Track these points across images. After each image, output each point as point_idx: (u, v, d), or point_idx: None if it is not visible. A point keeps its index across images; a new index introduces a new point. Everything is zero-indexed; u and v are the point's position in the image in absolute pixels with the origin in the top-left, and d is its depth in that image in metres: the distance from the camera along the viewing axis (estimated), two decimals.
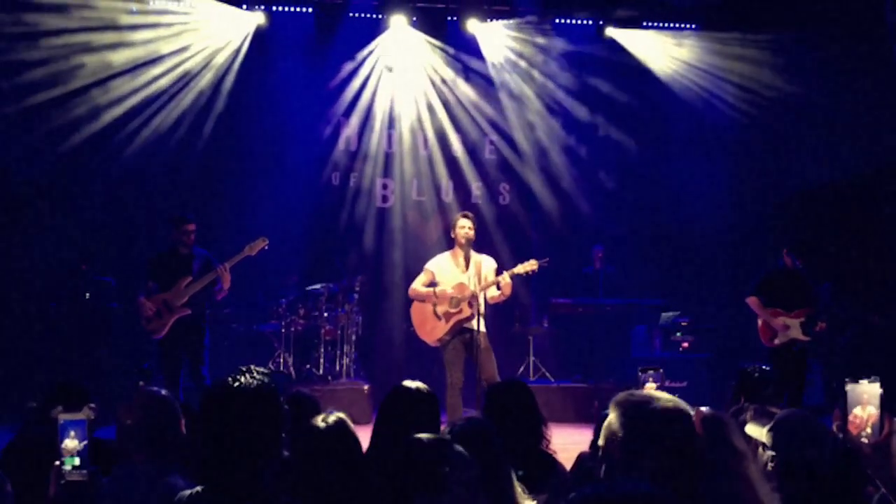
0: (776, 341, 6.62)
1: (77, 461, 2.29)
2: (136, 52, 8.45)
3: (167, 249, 6.57)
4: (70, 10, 7.94)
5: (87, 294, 7.96)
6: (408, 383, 2.96)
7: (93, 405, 2.98)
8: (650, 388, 3.53)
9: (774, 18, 8.72)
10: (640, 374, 3.64)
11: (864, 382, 2.43)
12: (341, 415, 2.43)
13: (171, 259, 6.48)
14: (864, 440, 2.38)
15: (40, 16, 7.81)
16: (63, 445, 2.28)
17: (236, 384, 1.89)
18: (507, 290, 5.95)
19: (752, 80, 9.13)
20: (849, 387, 2.42)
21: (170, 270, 6.40)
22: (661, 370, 3.64)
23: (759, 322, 6.78)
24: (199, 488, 1.94)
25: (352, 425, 2.42)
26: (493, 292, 6.01)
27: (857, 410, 2.40)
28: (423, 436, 2.06)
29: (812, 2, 8.38)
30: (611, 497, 1.34)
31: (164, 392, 2.68)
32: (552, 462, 3.03)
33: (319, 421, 2.37)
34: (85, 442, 2.29)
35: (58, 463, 2.28)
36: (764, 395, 3.45)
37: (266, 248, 6.48)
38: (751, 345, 8.44)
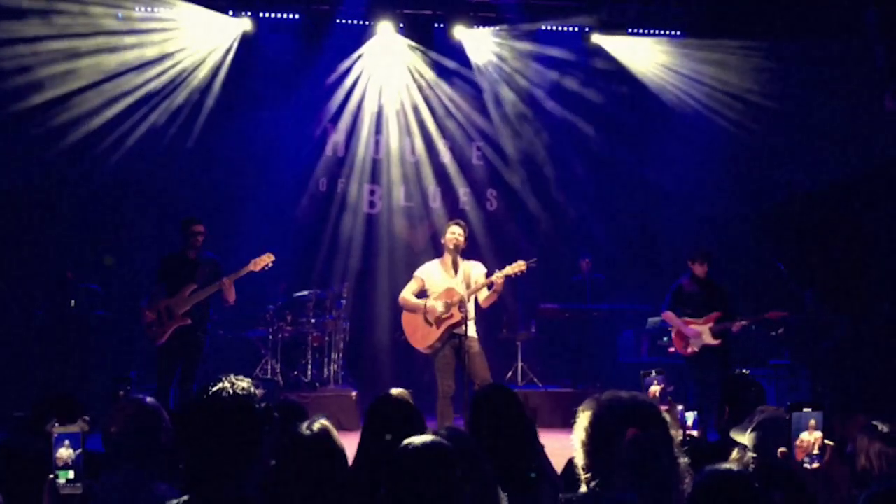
0: (689, 350, 6.83)
1: (71, 474, 2.28)
2: (121, 59, 8.42)
3: (177, 252, 6.52)
4: (56, 16, 7.90)
5: (73, 302, 7.90)
6: (392, 391, 2.97)
7: (87, 418, 2.97)
8: (654, 392, 3.45)
9: (759, 26, 8.81)
10: (642, 377, 3.53)
11: (807, 410, 2.47)
12: (325, 422, 2.43)
13: (180, 263, 6.42)
14: (807, 466, 2.42)
15: (25, 22, 7.76)
16: (57, 457, 2.27)
17: (215, 394, 1.89)
18: (500, 289, 5.98)
19: (737, 86, 9.20)
20: (794, 415, 2.46)
21: (177, 275, 6.36)
22: (664, 373, 3.50)
23: (673, 334, 7.03)
24: (185, 497, 1.93)
25: (336, 433, 2.42)
26: (484, 294, 6.02)
27: (804, 435, 2.44)
28: (424, 440, 2.06)
29: (796, 9, 8.46)
30: None
31: (149, 400, 2.67)
32: (543, 468, 3.03)
33: (304, 428, 2.36)
34: (80, 452, 2.28)
35: (52, 476, 2.27)
36: (747, 399, 3.47)
37: (271, 265, 6.44)
38: (737, 349, 8.50)
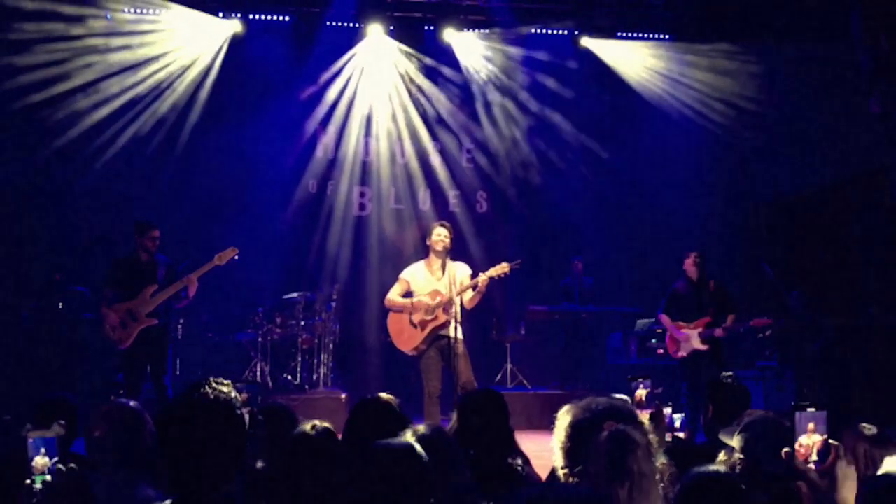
0: (679, 353, 6.91)
1: (48, 478, 2.27)
2: (111, 61, 8.39)
3: (128, 256, 6.48)
4: (44, 19, 7.86)
5: (61, 304, 7.86)
6: (377, 396, 2.97)
7: (62, 422, 2.96)
8: (641, 395, 3.50)
9: (746, 30, 8.87)
10: (629, 382, 3.57)
11: (810, 410, 2.48)
12: (327, 424, 2.45)
13: (134, 266, 6.38)
14: (811, 466, 2.44)
15: (11, 24, 7.71)
16: (33, 463, 2.26)
17: (194, 398, 1.89)
18: (483, 290, 5.97)
19: (724, 90, 9.27)
20: (796, 415, 2.47)
21: (133, 278, 6.32)
22: (650, 377, 3.59)
23: (667, 337, 7.14)
24: (169, 501, 1.93)
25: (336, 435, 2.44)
26: (468, 295, 6.02)
27: (802, 439, 2.46)
28: (392, 441, 2.07)
29: (782, 13, 8.53)
30: (548, 499, 1.38)
31: (132, 403, 2.68)
32: (522, 472, 3.04)
33: (308, 428, 2.38)
34: (56, 460, 2.27)
35: (28, 481, 2.26)
36: (732, 401, 3.50)
37: (236, 258, 6.44)
38: (724, 350, 8.55)
